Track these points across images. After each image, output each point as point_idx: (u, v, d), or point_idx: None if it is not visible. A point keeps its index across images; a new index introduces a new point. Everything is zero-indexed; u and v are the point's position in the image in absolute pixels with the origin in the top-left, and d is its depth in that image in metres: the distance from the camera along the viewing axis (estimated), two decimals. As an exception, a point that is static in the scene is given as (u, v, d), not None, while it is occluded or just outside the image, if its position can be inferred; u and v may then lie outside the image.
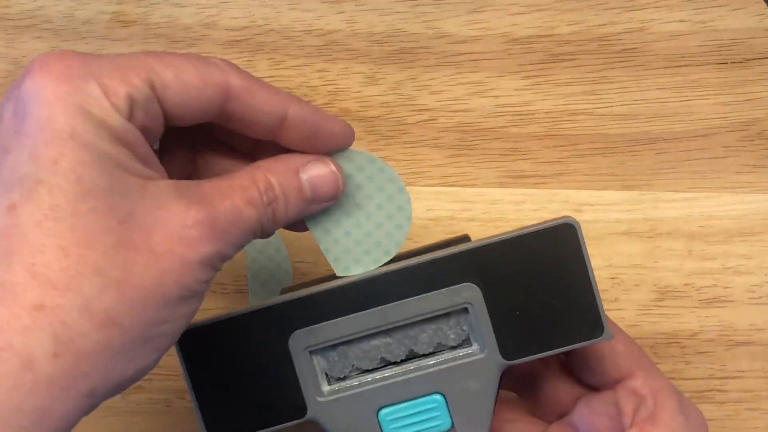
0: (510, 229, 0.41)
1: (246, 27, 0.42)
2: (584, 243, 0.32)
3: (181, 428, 0.44)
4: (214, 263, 0.28)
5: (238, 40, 0.43)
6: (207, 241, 0.28)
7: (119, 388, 0.26)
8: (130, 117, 0.27)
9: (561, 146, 0.42)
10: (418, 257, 0.33)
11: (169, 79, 0.28)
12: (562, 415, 0.36)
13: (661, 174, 0.42)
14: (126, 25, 0.43)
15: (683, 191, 0.42)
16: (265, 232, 0.31)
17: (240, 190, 0.29)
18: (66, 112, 0.26)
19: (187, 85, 0.29)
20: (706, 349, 0.42)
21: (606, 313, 0.32)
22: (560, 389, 0.36)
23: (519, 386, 0.38)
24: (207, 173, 0.33)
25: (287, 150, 0.32)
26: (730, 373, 0.42)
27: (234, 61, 0.42)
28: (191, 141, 0.33)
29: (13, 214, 0.25)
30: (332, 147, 0.32)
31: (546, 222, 0.32)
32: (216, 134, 0.33)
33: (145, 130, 0.28)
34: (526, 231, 0.32)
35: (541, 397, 0.37)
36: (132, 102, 0.27)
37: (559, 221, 0.32)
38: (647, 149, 0.42)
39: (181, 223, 0.27)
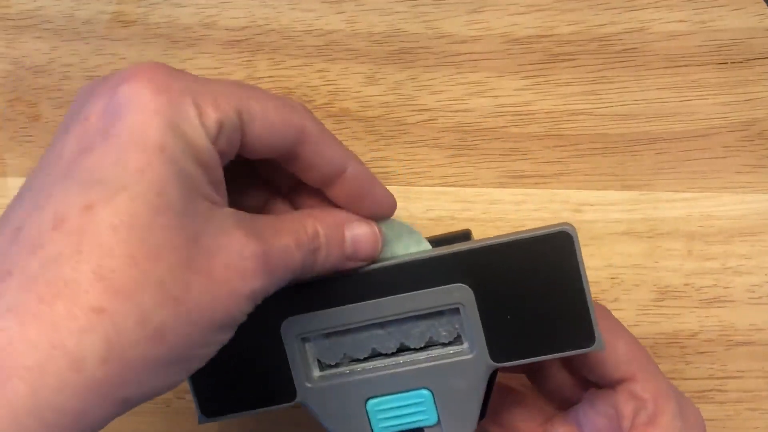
0: (510, 229, 0.41)
1: (246, 27, 0.42)
2: (580, 251, 0.31)
3: (181, 428, 0.44)
4: (257, 299, 0.29)
5: (238, 40, 0.43)
6: (259, 276, 0.28)
7: (146, 399, 0.27)
8: (215, 141, 0.28)
9: (561, 146, 0.42)
10: (414, 254, 0.33)
11: (256, 113, 0.29)
12: (568, 401, 0.37)
13: (661, 174, 0.42)
14: (126, 25, 0.43)
15: (683, 191, 0.42)
16: (302, 276, 0.31)
17: (291, 232, 0.30)
18: (160, 124, 0.26)
19: (270, 121, 0.29)
20: (706, 349, 0.42)
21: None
22: (567, 381, 0.36)
23: (529, 368, 0.38)
24: (239, 205, 0.34)
25: (325, 200, 0.33)
26: (730, 373, 0.42)
27: (234, 62, 0.42)
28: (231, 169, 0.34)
29: (89, 213, 0.25)
30: (375, 212, 0.33)
31: (543, 228, 0.32)
32: (259, 168, 0.34)
33: (222, 156, 0.28)
34: (522, 236, 0.32)
35: (548, 382, 0.37)
36: (221, 127, 0.28)
37: (556, 228, 0.32)
38: (647, 149, 0.42)
39: (240, 253, 0.28)
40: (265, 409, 0.34)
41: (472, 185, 0.43)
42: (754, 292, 0.42)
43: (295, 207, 0.34)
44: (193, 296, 0.26)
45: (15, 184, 0.44)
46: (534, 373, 0.38)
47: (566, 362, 0.36)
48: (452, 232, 0.36)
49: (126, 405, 0.26)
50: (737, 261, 0.42)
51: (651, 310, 0.42)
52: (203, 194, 0.27)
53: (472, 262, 0.32)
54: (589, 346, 0.32)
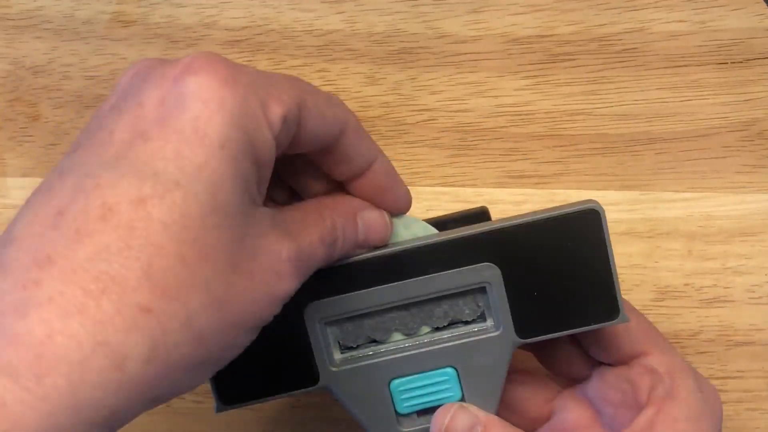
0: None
1: (246, 27, 0.42)
2: (607, 228, 0.32)
3: (182, 428, 0.44)
4: (288, 299, 0.28)
5: (238, 40, 0.43)
6: (293, 277, 0.28)
7: (172, 398, 0.26)
8: (277, 136, 0.27)
9: (561, 146, 0.42)
10: (439, 235, 0.33)
11: (311, 107, 0.28)
12: (575, 379, 0.36)
13: (661, 174, 0.42)
14: (126, 25, 0.43)
15: (683, 191, 0.42)
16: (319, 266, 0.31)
17: (314, 228, 0.30)
18: (224, 119, 0.25)
19: (322, 115, 0.29)
20: (706, 349, 0.42)
21: None
22: (575, 358, 0.36)
23: (536, 347, 0.38)
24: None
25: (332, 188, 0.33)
26: (730, 373, 0.42)
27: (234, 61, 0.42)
28: None
29: (141, 207, 0.24)
30: (393, 207, 0.33)
31: (570, 205, 0.32)
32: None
33: (277, 150, 0.28)
34: (550, 214, 0.32)
35: (555, 361, 0.37)
36: (284, 122, 0.27)
37: (584, 206, 0.32)
38: (647, 149, 0.42)
39: (278, 255, 0.27)
40: (286, 394, 0.34)
41: (472, 185, 0.43)
42: (754, 292, 0.42)
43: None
44: (234, 298, 0.26)
45: (15, 184, 0.44)
46: (541, 350, 0.37)
47: (576, 340, 0.36)
48: (469, 210, 0.36)
49: (155, 403, 0.25)
50: (737, 261, 0.42)
51: (651, 310, 0.42)
52: (251, 194, 0.27)
53: (499, 240, 0.32)
54: (613, 319, 0.32)
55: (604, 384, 0.35)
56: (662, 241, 0.42)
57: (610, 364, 0.35)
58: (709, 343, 0.42)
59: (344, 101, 0.42)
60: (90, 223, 0.24)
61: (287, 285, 0.28)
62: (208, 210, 0.25)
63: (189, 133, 0.25)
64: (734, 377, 0.42)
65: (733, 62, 0.41)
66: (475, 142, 0.42)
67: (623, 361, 0.35)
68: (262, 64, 0.42)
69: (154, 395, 0.25)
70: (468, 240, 0.32)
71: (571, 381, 0.37)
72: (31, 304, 0.23)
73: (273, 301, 0.28)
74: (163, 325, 0.24)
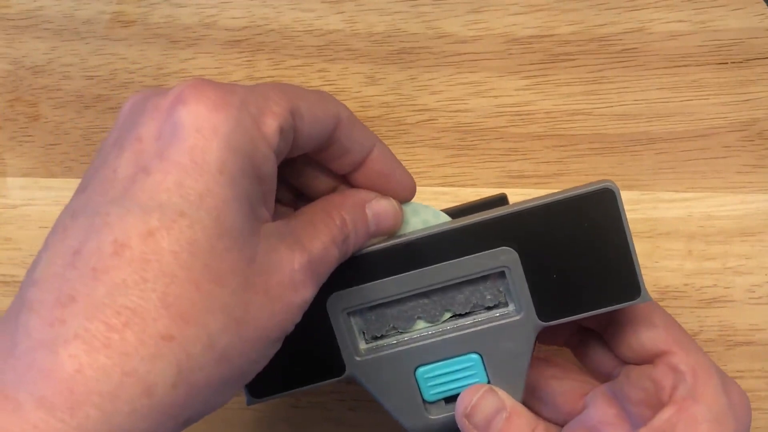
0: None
1: (246, 27, 0.42)
2: (623, 207, 0.32)
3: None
4: (307, 306, 0.29)
5: (238, 40, 0.43)
6: (309, 285, 0.29)
7: (204, 416, 0.27)
8: (276, 148, 0.28)
9: (561, 146, 0.42)
10: (456, 221, 0.33)
11: (304, 111, 0.29)
12: (608, 376, 0.37)
13: (661, 174, 0.42)
14: (126, 25, 0.43)
15: (683, 191, 0.42)
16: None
17: (324, 230, 0.31)
18: (219, 144, 0.26)
19: (315, 116, 0.30)
20: (706, 349, 0.42)
21: None
22: (605, 355, 0.36)
23: (574, 342, 0.38)
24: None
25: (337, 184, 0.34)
26: (730, 373, 0.42)
27: (234, 61, 0.42)
28: None
29: (151, 240, 0.25)
30: (397, 194, 0.34)
31: (584, 186, 0.32)
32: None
33: (278, 160, 0.29)
34: (564, 195, 0.32)
35: (591, 358, 0.37)
36: (281, 133, 0.28)
37: (599, 185, 0.32)
38: (647, 149, 0.42)
39: (291, 268, 0.28)
40: (314, 385, 0.34)
41: (473, 185, 0.43)
42: (754, 292, 0.42)
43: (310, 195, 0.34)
44: (253, 316, 0.27)
45: (15, 183, 0.44)
46: (577, 348, 0.38)
47: (606, 339, 0.36)
48: (488, 197, 0.36)
49: (187, 424, 0.26)
50: (737, 261, 0.42)
51: (651, 310, 0.42)
52: (256, 212, 0.28)
53: (516, 224, 0.32)
54: (634, 299, 0.32)
55: (629, 382, 0.35)
56: (662, 241, 0.42)
57: (637, 363, 0.35)
58: (709, 343, 0.42)
59: (344, 101, 0.42)
60: (105, 260, 0.25)
61: (304, 294, 0.29)
62: (214, 235, 0.26)
63: (187, 162, 0.26)
64: (734, 377, 0.42)
65: (733, 62, 0.41)
66: (475, 142, 0.42)
67: (647, 359, 0.34)
68: (263, 64, 0.43)
69: (185, 416, 0.26)
70: (484, 225, 0.33)
71: (605, 377, 0.37)
72: (59, 342, 0.24)
73: (292, 311, 0.28)
74: (186, 350, 0.25)
